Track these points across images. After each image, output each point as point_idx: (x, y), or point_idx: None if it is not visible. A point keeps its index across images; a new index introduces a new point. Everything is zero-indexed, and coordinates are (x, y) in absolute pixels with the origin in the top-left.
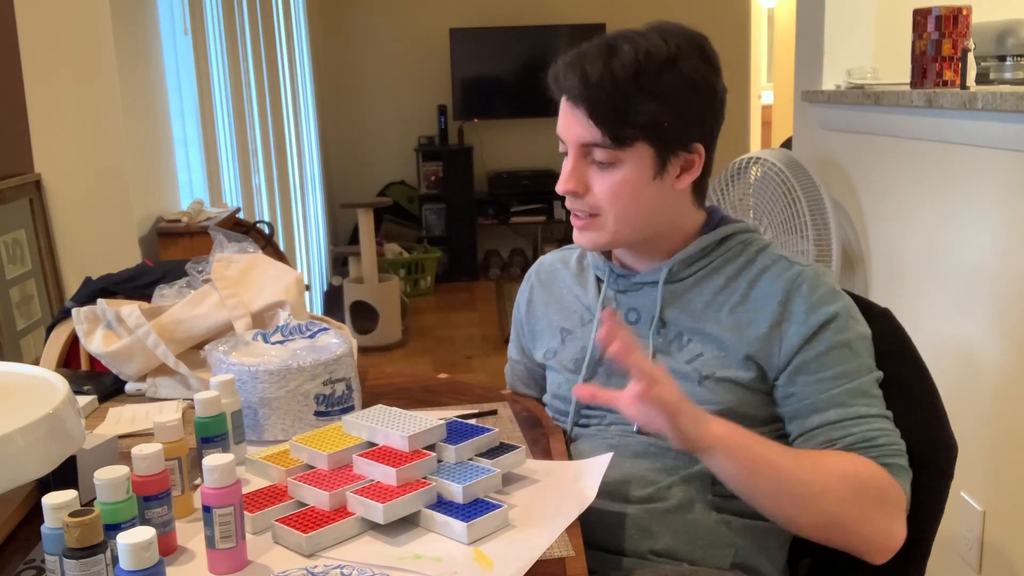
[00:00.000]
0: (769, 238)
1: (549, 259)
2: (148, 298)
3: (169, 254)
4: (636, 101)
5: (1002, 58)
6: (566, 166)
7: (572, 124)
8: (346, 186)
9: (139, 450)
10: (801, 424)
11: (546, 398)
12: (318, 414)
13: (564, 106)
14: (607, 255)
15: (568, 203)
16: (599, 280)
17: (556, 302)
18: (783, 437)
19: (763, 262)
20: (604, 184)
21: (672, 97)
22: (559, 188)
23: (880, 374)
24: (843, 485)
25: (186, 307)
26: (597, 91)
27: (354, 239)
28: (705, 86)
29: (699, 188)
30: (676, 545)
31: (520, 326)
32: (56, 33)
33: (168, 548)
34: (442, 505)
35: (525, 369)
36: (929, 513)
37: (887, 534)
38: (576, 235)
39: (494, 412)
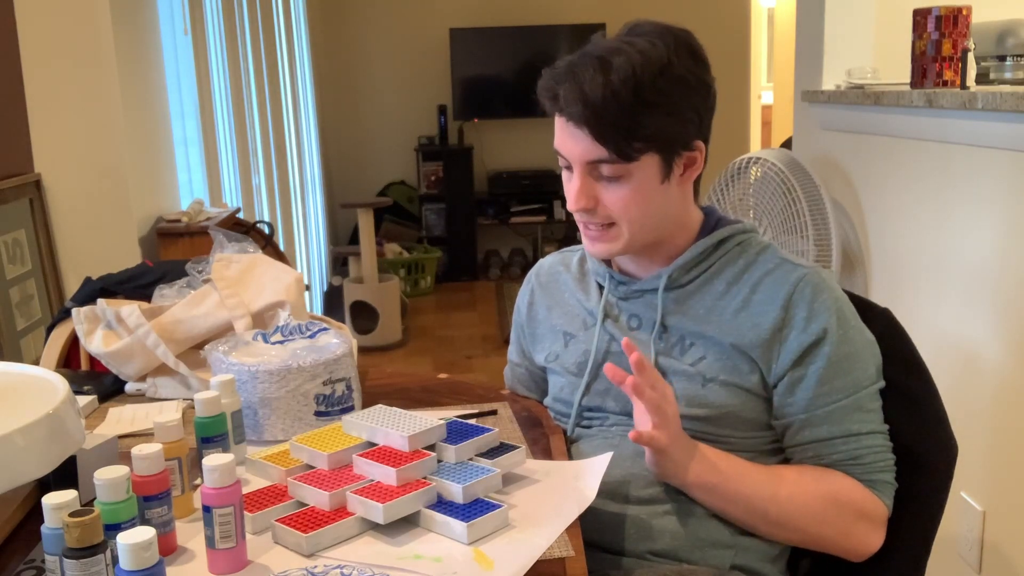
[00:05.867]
0: (768, 238)
1: (549, 262)
2: (148, 298)
3: (169, 254)
4: (640, 116)
5: (1002, 58)
6: (574, 184)
7: (575, 142)
8: (346, 186)
9: (139, 450)
10: (793, 436)
11: (547, 401)
12: (318, 414)
13: (562, 124)
14: (607, 261)
15: (579, 218)
16: (600, 286)
17: (558, 305)
18: (779, 441)
19: (765, 265)
20: (615, 196)
21: (672, 103)
22: (571, 207)
23: (882, 384)
24: (820, 508)
25: (186, 307)
26: (601, 111)
27: (354, 239)
28: (700, 85)
29: (696, 182)
30: (676, 546)
31: (521, 329)
32: (56, 33)
33: (168, 548)
34: (442, 505)
35: (526, 372)
36: (929, 513)
37: (864, 544)
38: (590, 245)
39: (494, 412)
